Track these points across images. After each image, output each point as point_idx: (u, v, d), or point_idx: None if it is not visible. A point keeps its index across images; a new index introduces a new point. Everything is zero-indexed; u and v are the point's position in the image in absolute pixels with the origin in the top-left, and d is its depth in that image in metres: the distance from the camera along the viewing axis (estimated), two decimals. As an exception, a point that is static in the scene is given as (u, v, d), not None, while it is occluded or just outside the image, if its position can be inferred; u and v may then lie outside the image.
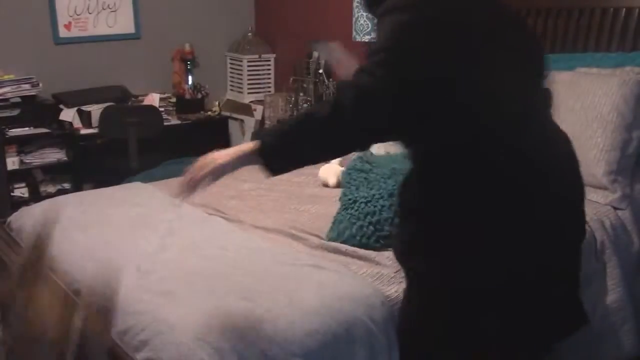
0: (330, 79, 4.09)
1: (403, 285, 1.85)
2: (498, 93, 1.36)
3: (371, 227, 2.05)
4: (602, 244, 2.21)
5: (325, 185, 2.76)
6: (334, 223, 2.14)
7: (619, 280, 2.19)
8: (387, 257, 1.97)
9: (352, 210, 2.10)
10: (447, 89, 1.33)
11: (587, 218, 1.93)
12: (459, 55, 1.34)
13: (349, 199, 2.15)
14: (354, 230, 2.05)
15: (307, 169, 2.96)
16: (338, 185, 2.73)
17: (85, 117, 4.12)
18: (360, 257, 1.98)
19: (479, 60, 1.36)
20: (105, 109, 3.95)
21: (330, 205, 2.42)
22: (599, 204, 2.32)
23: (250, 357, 1.53)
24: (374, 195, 2.11)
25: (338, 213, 2.16)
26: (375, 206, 2.08)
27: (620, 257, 2.23)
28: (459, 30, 1.35)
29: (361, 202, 2.11)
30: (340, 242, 2.07)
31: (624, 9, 2.76)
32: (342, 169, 2.78)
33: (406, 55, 1.34)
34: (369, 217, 2.05)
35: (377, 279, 1.86)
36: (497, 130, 1.39)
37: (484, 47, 1.37)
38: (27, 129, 3.97)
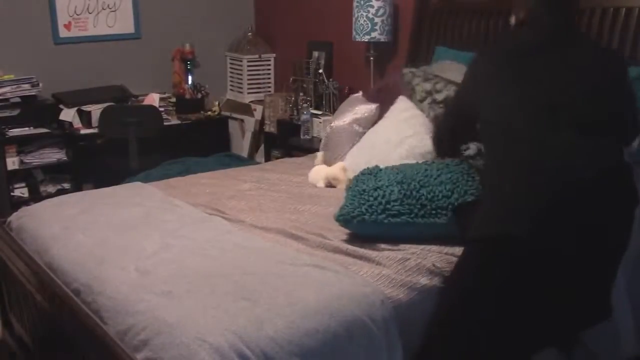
0: (330, 79, 4.09)
1: (403, 285, 1.86)
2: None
3: (380, 206, 2.08)
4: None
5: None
6: (344, 203, 2.17)
7: (618, 279, 2.19)
8: (388, 257, 1.97)
9: (361, 196, 2.13)
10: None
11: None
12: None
13: (358, 189, 2.17)
14: (364, 209, 2.08)
15: (307, 170, 2.98)
16: (327, 186, 2.74)
17: (85, 117, 4.12)
18: (360, 257, 1.98)
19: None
20: (105, 109, 3.95)
21: (330, 205, 2.42)
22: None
23: (250, 357, 1.53)
24: (382, 184, 2.14)
25: (346, 198, 2.19)
26: (384, 191, 2.11)
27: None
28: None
29: (370, 190, 2.14)
30: (352, 218, 2.08)
31: (624, 9, 2.76)
32: (329, 169, 2.80)
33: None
34: (378, 198, 2.10)
35: (377, 279, 1.86)
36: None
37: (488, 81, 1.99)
38: (27, 129, 3.98)
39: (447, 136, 2.25)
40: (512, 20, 2.10)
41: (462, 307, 1.80)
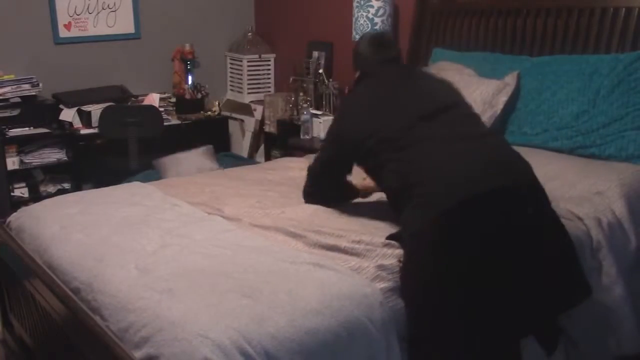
0: (330, 79, 4.10)
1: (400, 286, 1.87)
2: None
3: None
4: (598, 242, 2.21)
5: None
6: None
7: (616, 278, 2.19)
8: (386, 255, 1.97)
9: None
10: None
11: (584, 216, 2.02)
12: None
13: None
14: None
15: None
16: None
17: (85, 117, 4.13)
18: (359, 255, 1.98)
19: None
20: (105, 109, 3.96)
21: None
22: (596, 202, 2.32)
23: (252, 354, 1.53)
24: None
25: None
26: None
27: (617, 256, 2.22)
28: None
29: None
30: None
31: (624, 9, 2.77)
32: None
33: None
34: None
35: (375, 278, 1.86)
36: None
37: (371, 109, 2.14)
38: (27, 129, 3.98)
39: (328, 175, 2.35)
40: (356, 75, 2.33)
41: (431, 299, 1.80)
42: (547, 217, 1.92)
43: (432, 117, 2.01)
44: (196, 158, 3.88)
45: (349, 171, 2.31)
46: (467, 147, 1.92)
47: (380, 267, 1.90)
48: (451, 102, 2.08)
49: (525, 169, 1.93)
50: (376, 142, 2.03)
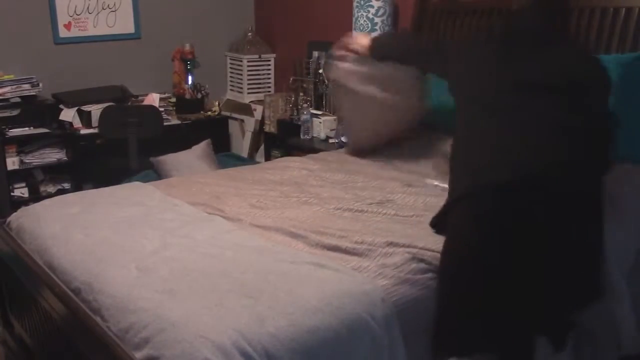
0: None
1: (404, 283, 1.87)
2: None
3: None
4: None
5: None
6: None
7: (617, 278, 2.19)
8: (387, 254, 1.97)
9: None
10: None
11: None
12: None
13: None
14: None
15: (307, 170, 2.98)
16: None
17: (85, 117, 4.13)
18: (360, 254, 1.98)
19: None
20: (105, 109, 3.96)
21: (328, 204, 2.42)
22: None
23: (252, 354, 1.53)
24: None
25: None
26: None
27: (617, 256, 2.22)
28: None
29: None
30: None
31: (624, 9, 2.77)
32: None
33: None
34: None
35: (377, 276, 1.87)
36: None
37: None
38: (27, 129, 3.98)
39: (400, 52, 2.66)
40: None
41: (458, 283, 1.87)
42: (566, 215, 1.92)
43: (490, 104, 2.09)
44: (195, 156, 3.88)
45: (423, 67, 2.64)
46: (497, 140, 2.00)
47: (383, 266, 1.91)
48: (544, 85, 2.06)
49: (551, 170, 1.94)
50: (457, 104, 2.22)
